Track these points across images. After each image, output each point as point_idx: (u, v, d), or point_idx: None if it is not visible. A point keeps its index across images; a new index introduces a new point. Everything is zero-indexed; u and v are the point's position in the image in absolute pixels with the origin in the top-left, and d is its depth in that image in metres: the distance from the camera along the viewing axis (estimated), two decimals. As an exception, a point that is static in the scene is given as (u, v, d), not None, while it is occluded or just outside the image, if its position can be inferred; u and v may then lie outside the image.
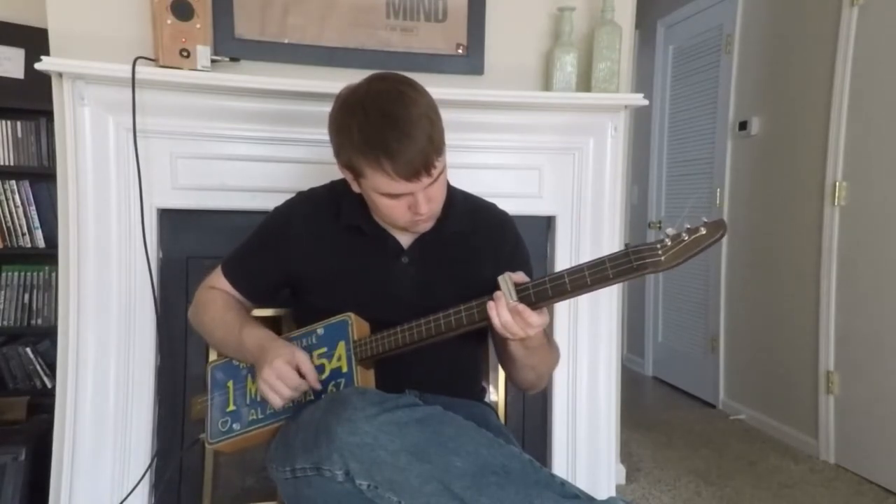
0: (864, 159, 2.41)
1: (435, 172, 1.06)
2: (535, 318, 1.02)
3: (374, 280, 1.20)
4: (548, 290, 1.00)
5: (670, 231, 0.94)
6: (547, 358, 1.21)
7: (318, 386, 1.10)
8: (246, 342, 1.15)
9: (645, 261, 0.93)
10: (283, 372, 1.06)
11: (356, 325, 1.13)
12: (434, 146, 1.05)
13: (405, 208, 1.10)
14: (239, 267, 1.28)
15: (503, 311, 1.01)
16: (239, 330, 1.17)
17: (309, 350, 1.13)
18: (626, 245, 0.96)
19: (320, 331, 1.15)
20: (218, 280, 1.28)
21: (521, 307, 1.00)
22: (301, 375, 1.07)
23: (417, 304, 1.13)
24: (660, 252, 0.93)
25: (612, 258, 0.96)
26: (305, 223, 1.22)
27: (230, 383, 1.22)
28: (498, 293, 1.02)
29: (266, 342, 1.12)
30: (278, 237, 1.23)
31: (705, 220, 0.93)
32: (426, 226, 1.18)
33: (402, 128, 1.02)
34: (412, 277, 1.20)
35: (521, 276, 1.04)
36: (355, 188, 1.15)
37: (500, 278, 1.03)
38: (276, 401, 1.07)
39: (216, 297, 1.26)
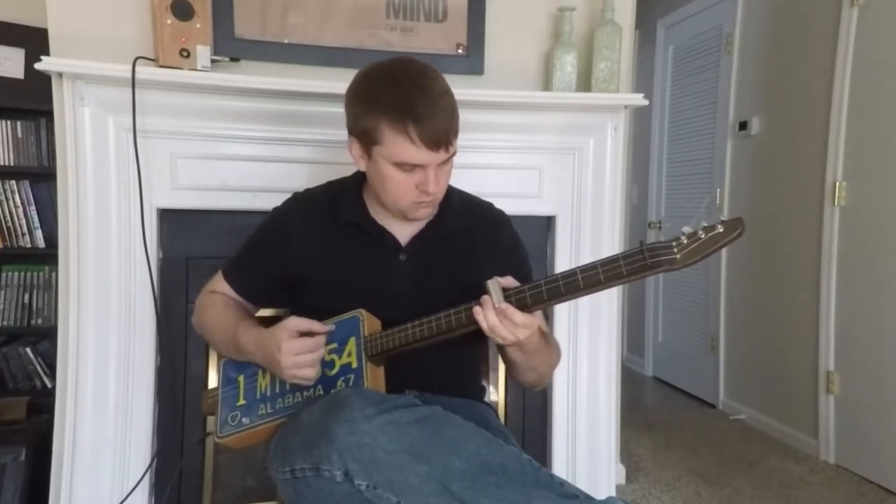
0: (864, 159, 2.41)
1: (451, 150, 1.09)
2: (520, 318, 0.99)
3: (371, 277, 1.20)
4: (542, 292, 0.98)
5: (686, 229, 0.91)
6: (547, 358, 1.20)
7: (327, 328, 1.11)
8: (241, 342, 1.16)
9: (659, 258, 0.90)
10: (294, 346, 1.06)
11: (367, 322, 1.13)
12: (455, 121, 1.09)
13: (413, 186, 1.10)
14: (239, 269, 1.29)
15: (490, 314, 1.00)
16: (234, 329, 1.18)
17: None
18: (640, 242, 0.94)
19: (331, 326, 1.15)
20: (219, 284, 1.29)
21: (505, 306, 0.99)
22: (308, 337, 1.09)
23: (415, 301, 1.13)
24: (675, 250, 0.90)
25: (627, 255, 0.94)
26: (302, 223, 1.23)
27: (241, 378, 1.22)
28: (485, 297, 1.01)
29: (260, 338, 1.12)
30: (276, 238, 1.24)
31: (723, 218, 0.91)
32: (426, 212, 1.18)
33: (430, 97, 1.05)
34: (410, 274, 1.20)
35: (509, 281, 1.03)
36: (362, 166, 1.16)
37: (489, 282, 1.01)
38: (310, 373, 1.08)
39: (216, 300, 1.27)
